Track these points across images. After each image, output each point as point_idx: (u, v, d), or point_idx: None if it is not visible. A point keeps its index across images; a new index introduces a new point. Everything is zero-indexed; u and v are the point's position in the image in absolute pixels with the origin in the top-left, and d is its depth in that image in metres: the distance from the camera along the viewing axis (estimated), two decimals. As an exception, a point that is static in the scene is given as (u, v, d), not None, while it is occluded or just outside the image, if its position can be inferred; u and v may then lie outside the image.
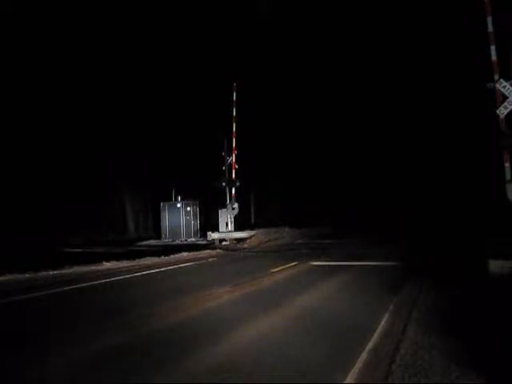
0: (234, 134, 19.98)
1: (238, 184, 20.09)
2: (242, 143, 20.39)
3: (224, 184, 19.61)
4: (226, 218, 19.76)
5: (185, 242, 21.39)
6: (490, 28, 9.48)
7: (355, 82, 31.97)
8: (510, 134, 9.25)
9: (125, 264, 11.95)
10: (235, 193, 20.09)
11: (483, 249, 8.73)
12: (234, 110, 20.04)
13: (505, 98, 9.60)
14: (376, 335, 4.71)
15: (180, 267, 11.56)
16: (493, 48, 9.48)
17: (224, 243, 19.02)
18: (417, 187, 33.67)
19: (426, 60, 29.47)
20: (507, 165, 9.25)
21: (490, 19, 9.47)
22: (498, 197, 10.00)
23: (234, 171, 20.05)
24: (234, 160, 19.99)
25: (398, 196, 33.57)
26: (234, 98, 20.12)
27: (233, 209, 19.86)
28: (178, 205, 23.22)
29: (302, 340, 4.67)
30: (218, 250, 16.41)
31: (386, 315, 5.54)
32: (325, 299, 6.95)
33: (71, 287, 8.42)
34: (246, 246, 18.15)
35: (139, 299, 7.11)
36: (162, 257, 13.50)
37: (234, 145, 19.97)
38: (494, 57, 9.52)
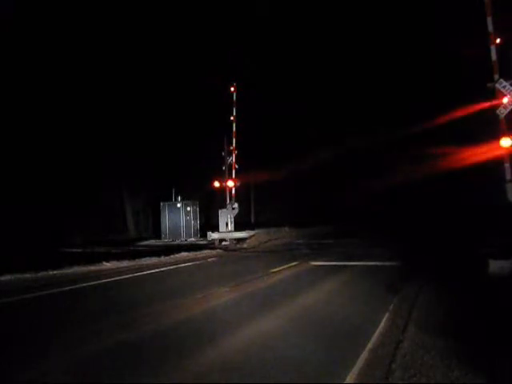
0: (233, 134, 19.98)
1: (237, 184, 20.09)
2: (243, 142, 20.38)
3: None
4: (226, 218, 19.74)
5: (185, 242, 21.37)
6: (490, 28, 9.48)
7: (356, 77, 31.99)
8: None
9: (125, 264, 11.94)
10: (235, 193, 20.09)
11: (483, 249, 8.74)
12: (234, 110, 20.03)
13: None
14: (376, 335, 4.72)
15: (180, 267, 11.56)
16: (493, 48, 9.47)
17: (224, 243, 19.00)
18: (417, 187, 33.63)
19: (426, 60, 29.46)
20: (507, 165, 9.24)
21: (489, 19, 9.46)
22: (498, 197, 10.00)
23: (234, 171, 20.05)
24: (233, 160, 19.99)
25: (398, 196, 33.54)
26: (234, 98, 20.11)
27: (233, 209, 19.85)
28: (178, 205, 23.20)
29: (302, 340, 4.67)
30: (218, 250, 16.40)
31: (386, 315, 5.55)
32: (325, 299, 6.96)
33: (71, 287, 8.42)
34: (245, 246, 18.13)
35: (139, 299, 7.10)
36: (162, 257, 13.49)
37: (233, 145, 19.97)
38: (494, 57, 9.51)
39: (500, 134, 9.31)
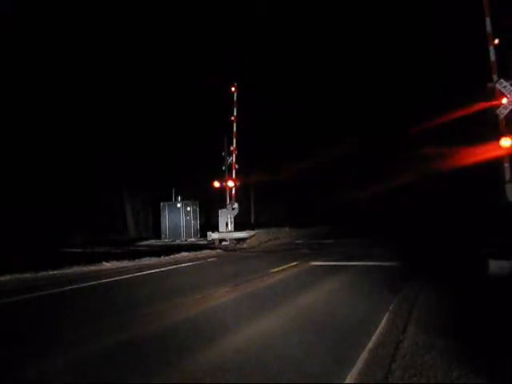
0: (234, 134, 19.98)
1: (238, 184, 20.09)
2: (243, 142, 20.38)
3: None
4: (226, 218, 19.74)
5: (185, 242, 21.37)
6: (489, 29, 9.48)
7: (356, 77, 31.98)
8: None
9: (125, 264, 11.94)
10: (235, 193, 20.09)
11: (483, 249, 8.74)
12: (235, 110, 20.03)
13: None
14: (376, 335, 4.72)
15: (180, 267, 11.56)
16: (491, 49, 9.47)
17: (224, 243, 19.00)
18: (417, 187, 33.62)
19: (426, 60, 29.44)
20: (507, 165, 9.24)
21: (488, 20, 9.47)
22: (497, 197, 10.00)
23: (234, 171, 20.05)
24: (233, 160, 19.98)
25: (398, 196, 33.52)
26: (235, 98, 20.11)
27: (233, 209, 19.85)
28: (178, 205, 23.20)
29: (302, 340, 4.67)
30: (218, 250, 16.40)
31: (386, 315, 5.55)
32: (325, 299, 6.96)
33: (71, 287, 8.41)
34: (245, 246, 18.13)
35: (139, 299, 7.11)
36: (162, 257, 13.49)
37: (234, 145, 19.97)
38: (493, 57, 9.51)
39: (500, 134, 9.31)
